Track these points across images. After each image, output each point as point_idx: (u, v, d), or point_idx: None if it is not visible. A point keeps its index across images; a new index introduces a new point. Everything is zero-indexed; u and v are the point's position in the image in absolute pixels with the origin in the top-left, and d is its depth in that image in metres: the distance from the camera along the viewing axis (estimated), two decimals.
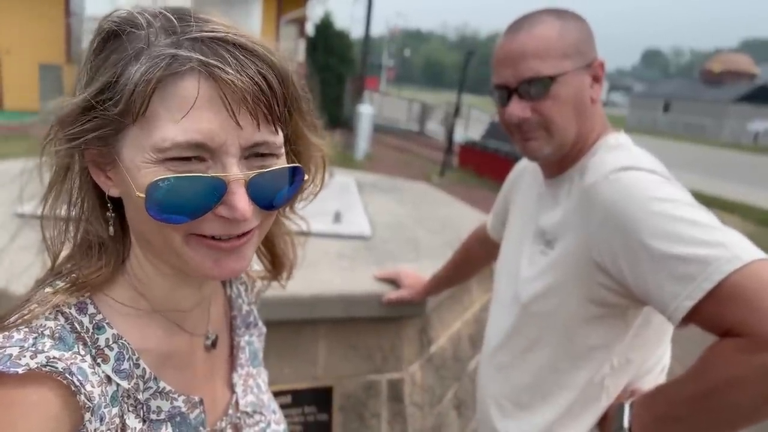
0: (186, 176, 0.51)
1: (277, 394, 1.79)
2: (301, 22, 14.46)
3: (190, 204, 0.53)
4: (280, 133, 0.57)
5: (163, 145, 0.51)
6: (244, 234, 0.57)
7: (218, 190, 0.53)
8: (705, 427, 0.85)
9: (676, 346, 1.19)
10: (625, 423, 0.96)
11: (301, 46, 13.62)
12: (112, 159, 0.55)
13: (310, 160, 0.67)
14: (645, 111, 46.58)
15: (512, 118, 1.05)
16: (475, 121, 17.77)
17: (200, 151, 0.52)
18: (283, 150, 0.59)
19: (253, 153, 0.55)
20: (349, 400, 1.88)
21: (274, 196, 0.58)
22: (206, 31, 0.52)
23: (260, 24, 2.70)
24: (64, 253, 0.62)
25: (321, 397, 1.83)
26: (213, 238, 0.56)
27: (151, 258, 0.62)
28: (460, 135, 13.62)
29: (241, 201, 0.53)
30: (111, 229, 0.61)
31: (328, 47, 15.04)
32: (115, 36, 0.54)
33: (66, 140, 0.55)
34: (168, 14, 0.54)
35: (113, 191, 0.58)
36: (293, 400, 1.80)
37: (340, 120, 14.52)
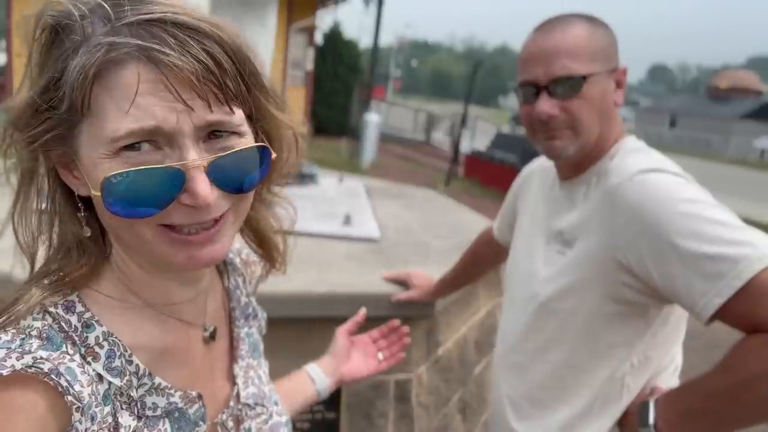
0: (141, 169, 0.50)
1: None
2: (310, 30, 14.55)
3: (150, 196, 0.51)
4: (238, 111, 0.55)
5: (117, 135, 0.49)
6: (215, 222, 0.56)
7: (178, 179, 0.51)
8: (733, 421, 0.86)
9: None
10: (650, 420, 0.96)
11: (310, 54, 13.73)
12: (73, 158, 0.54)
13: (282, 138, 0.64)
14: (651, 126, 46.51)
15: (541, 115, 1.06)
16: (481, 133, 17.81)
17: (155, 137, 0.50)
18: (245, 128, 0.56)
19: (212, 133, 0.53)
20: (357, 399, 1.90)
21: (244, 178, 0.56)
22: (142, 14, 0.50)
23: (275, 30, 2.75)
24: (41, 254, 0.61)
25: (330, 396, 1.85)
26: (183, 230, 0.55)
27: (129, 254, 0.61)
28: (466, 146, 13.66)
29: (202, 186, 0.51)
30: (86, 228, 0.59)
31: (337, 56, 15.16)
32: (55, 31, 0.52)
33: (26, 143, 0.53)
34: (102, 1, 0.51)
35: (82, 190, 0.56)
36: None
37: (347, 128, 14.61)
